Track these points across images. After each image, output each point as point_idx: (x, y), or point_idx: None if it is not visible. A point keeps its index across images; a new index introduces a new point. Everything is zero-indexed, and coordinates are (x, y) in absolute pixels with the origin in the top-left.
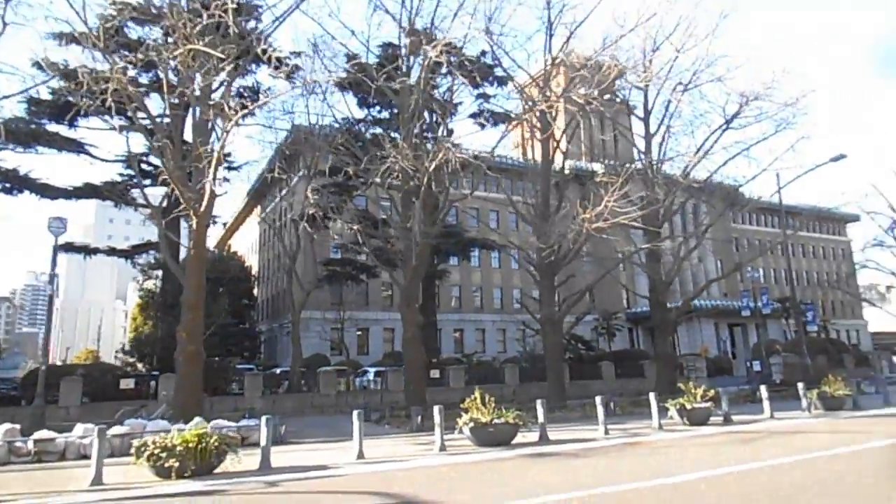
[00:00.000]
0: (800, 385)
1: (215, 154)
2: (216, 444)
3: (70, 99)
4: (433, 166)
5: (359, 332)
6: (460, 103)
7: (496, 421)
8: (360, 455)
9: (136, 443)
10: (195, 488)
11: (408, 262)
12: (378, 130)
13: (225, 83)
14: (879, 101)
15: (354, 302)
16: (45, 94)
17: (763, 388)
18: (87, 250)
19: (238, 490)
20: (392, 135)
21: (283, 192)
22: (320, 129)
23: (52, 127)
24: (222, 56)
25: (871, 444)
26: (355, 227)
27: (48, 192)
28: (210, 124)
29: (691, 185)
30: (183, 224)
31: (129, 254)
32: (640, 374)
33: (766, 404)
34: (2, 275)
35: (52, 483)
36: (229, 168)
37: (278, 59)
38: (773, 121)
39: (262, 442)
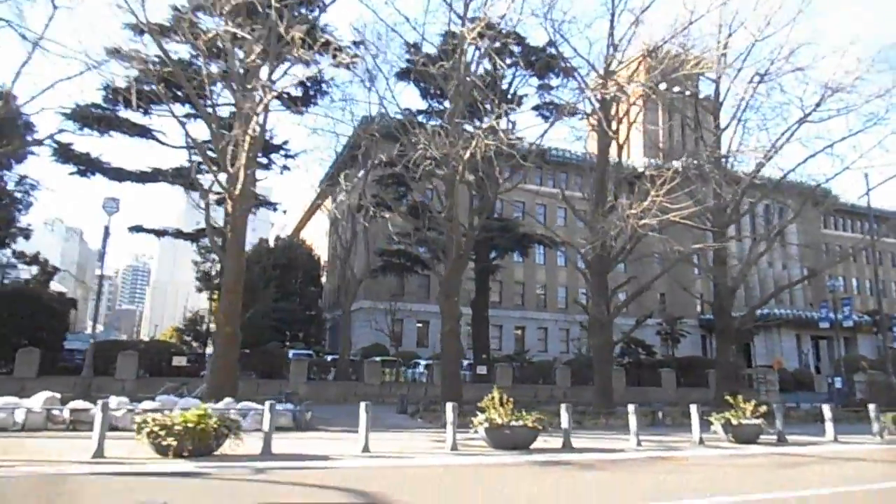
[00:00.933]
0: (871, 406)
1: (247, 137)
2: (216, 425)
3: (144, 86)
4: (468, 154)
5: (419, 324)
6: (525, 96)
7: (513, 423)
8: (366, 448)
9: (138, 419)
10: (185, 468)
11: (449, 253)
12: (439, 122)
13: (271, 67)
14: None
15: (415, 294)
16: (119, 83)
17: (826, 408)
18: (156, 232)
19: (224, 474)
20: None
21: (348, 183)
22: (381, 120)
23: (125, 114)
24: (248, 36)
25: None
26: (408, 219)
27: (118, 175)
28: (251, 108)
29: (764, 184)
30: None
31: (194, 237)
32: (704, 383)
33: (829, 426)
34: (110, 256)
35: (62, 453)
36: (286, 156)
37: (335, 47)
38: (861, 115)
39: (265, 427)
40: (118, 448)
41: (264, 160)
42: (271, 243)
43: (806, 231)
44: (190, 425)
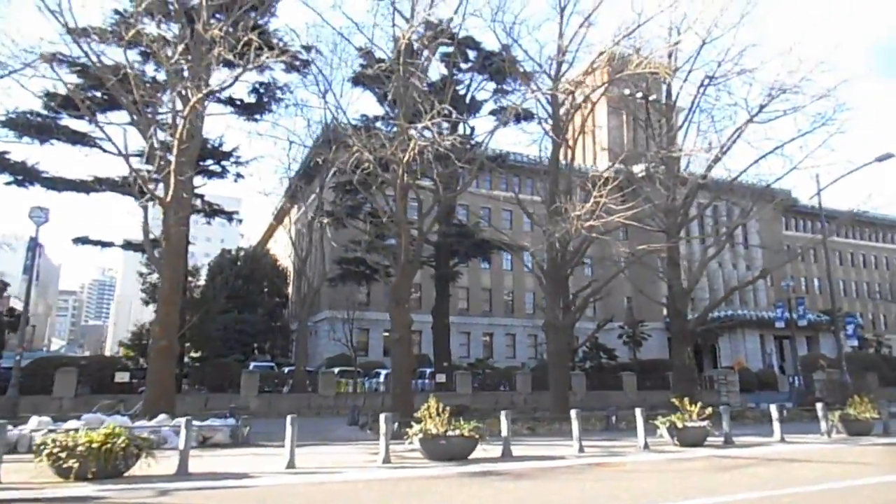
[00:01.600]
0: (819, 406)
1: (176, 142)
2: (124, 445)
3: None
4: (406, 157)
5: (385, 334)
6: (484, 101)
7: (450, 433)
8: (291, 464)
9: (38, 440)
10: (83, 493)
11: (398, 259)
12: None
13: (195, 70)
14: None
15: (382, 303)
16: (62, 89)
17: (773, 408)
18: (101, 243)
19: (123, 498)
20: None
21: (306, 193)
22: (335, 127)
23: (67, 121)
24: (168, 38)
25: (867, 480)
26: (366, 227)
27: (55, 184)
28: (178, 112)
29: (714, 185)
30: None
31: (141, 247)
32: (666, 386)
33: (776, 426)
34: (74, 270)
35: None
36: (237, 163)
37: (282, 50)
38: (809, 116)
39: (181, 445)
40: (19, 473)
41: (217, 168)
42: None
43: (767, 233)
44: (94, 446)
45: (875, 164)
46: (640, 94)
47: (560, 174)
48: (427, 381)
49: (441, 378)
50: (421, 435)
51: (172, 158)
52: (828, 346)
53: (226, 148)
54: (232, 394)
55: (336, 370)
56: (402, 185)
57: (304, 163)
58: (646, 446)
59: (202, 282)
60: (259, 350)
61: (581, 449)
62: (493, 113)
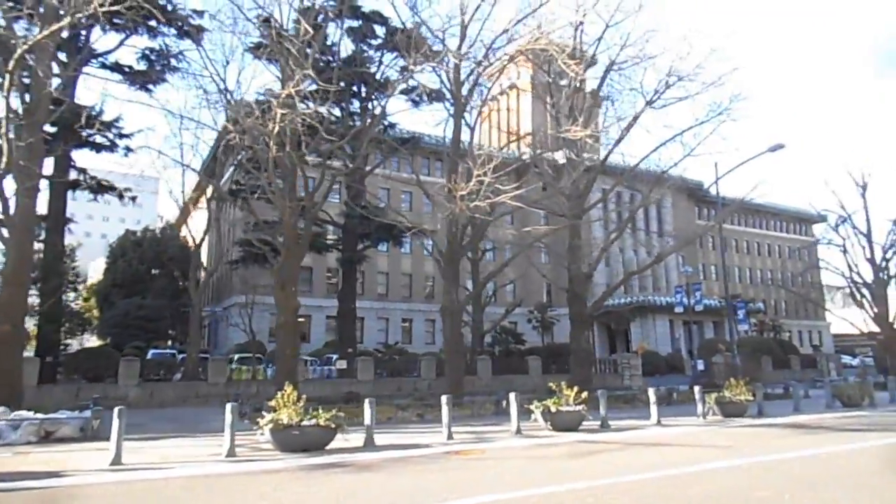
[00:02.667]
0: (696, 389)
1: (3, 100)
2: None
3: None
4: (276, 129)
5: (301, 319)
6: (398, 80)
7: (304, 423)
8: (117, 460)
9: None
10: None
11: (285, 240)
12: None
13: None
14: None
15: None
16: None
17: (651, 391)
18: None
19: None
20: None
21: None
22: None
23: None
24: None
25: (712, 464)
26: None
27: None
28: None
29: (616, 172)
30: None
31: None
32: (563, 370)
33: (653, 409)
34: None
35: None
36: (120, 135)
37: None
38: (707, 106)
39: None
40: None
41: (103, 140)
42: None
43: (681, 221)
44: None
45: (769, 154)
46: (548, 80)
47: (460, 156)
48: (331, 367)
49: (342, 364)
50: (271, 425)
51: (2, 120)
52: (735, 330)
53: (107, 118)
54: (110, 383)
55: (235, 357)
56: (284, 162)
57: (217, 141)
58: (518, 431)
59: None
60: (166, 337)
61: (450, 436)
62: (404, 92)
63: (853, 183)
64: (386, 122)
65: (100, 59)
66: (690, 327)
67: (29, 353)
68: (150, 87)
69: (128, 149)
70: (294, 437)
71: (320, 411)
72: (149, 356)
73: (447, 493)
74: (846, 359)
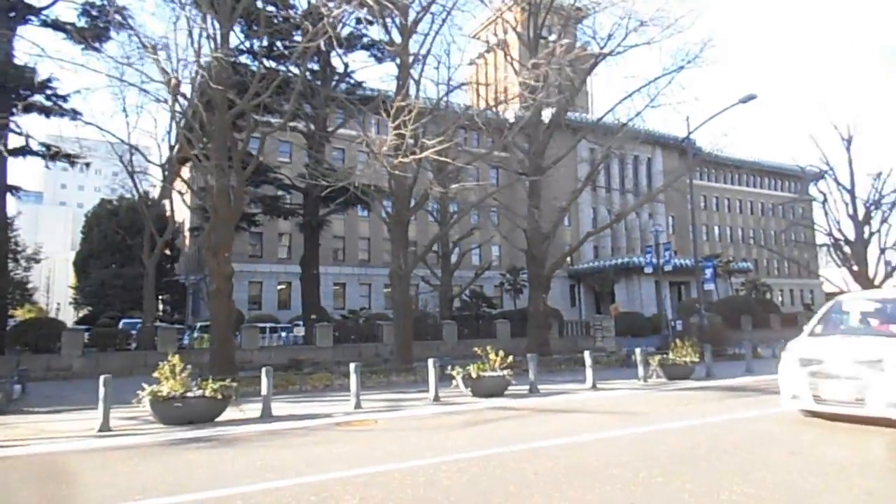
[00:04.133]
0: (637, 351)
1: None
2: None
3: None
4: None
5: (280, 286)
6: (363, 36)
7: (188, 394)
8: None
9: None
10: None
11: (215, 204)
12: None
13: None
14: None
15: (275, 254)
16: None
17: (587, 354)
18: None
19: None
20: (291, 69)
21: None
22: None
23: None
24: None
25: (610, 433)
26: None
27: None
28: None
29: (576, 126)
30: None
31: None
32: None
33: (588, 372)
34: None
35: None
36: (55, 96)
37: None
38: (673, 55)
39: None
40: None
41: (47, 102)
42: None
43: (673, 181)
44: None
45: (740, 105)
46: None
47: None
48: (289, 334)
49: (300, 331)
50: (150, 397)
51: None
52: (723, 290)
53: (40, 79)
54: (52, 354)
55: (198, 325)
56: (215, 119)
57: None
58: (436, 398)
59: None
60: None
61: (358, 405)
62: (365, 47)
63: (839, 137)
64: (352, 81)
65: (39, 16)
66: (679, 288)
67: None
68: (97, 45)
69: (75, 112)
70: (176, 409)
71: (210, 382)
72: (119, 325)
73: (271, 474)
74: None
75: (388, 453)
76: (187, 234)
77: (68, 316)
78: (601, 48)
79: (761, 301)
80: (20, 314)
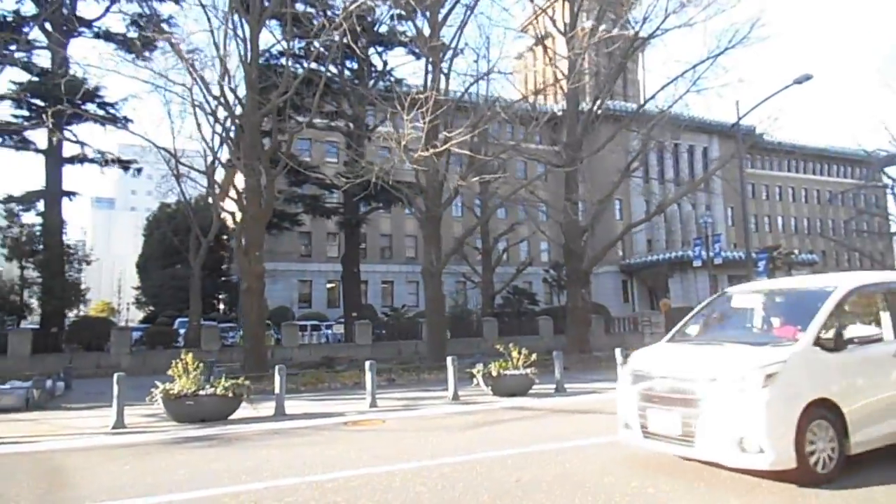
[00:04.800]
0: (617, 351)
1: None
2: None
3: None
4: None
5: (329, 285)
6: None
7: (201, 392)
8: None
9: None
10: None
11: (247, 203)
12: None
13: None
14: None
15: (324, 253)
16: None
17: (618, 352)
18: None
19: None
20: (331, 69)
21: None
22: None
23: None
24: None
25: (611, 437)
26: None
27: None
28: None
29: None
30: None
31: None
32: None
33: (619, 371)
34: None
35: None
36: (103, 105)
37: None
38: (718, 39)
39: None
40: None
41: (100, 111)
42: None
43: (732, 170)
44: None
45: (795, 86)
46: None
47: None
48: (328, 332)
49: (339, 329)
50: (162, 395)
51: None
52: None
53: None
54: (104, 352)
55: (211, 324)
56: (232, 116)
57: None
58: (455, 397)
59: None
60: (206, 307)
61: (373, 403)
62: (402, 45)
63: None
64: (392, 79)
65: (91, 28)
66: (739, 282)
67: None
68: (146, 54)
69: (126, 119)
70: (188, 407)
71: (222, 380)
72: (175, 325)
73: (247, 476)
74: None
75: (377, 456)
76: None
77: (135, 316)
78: (636, 32)
79: None
80: (92, 312)
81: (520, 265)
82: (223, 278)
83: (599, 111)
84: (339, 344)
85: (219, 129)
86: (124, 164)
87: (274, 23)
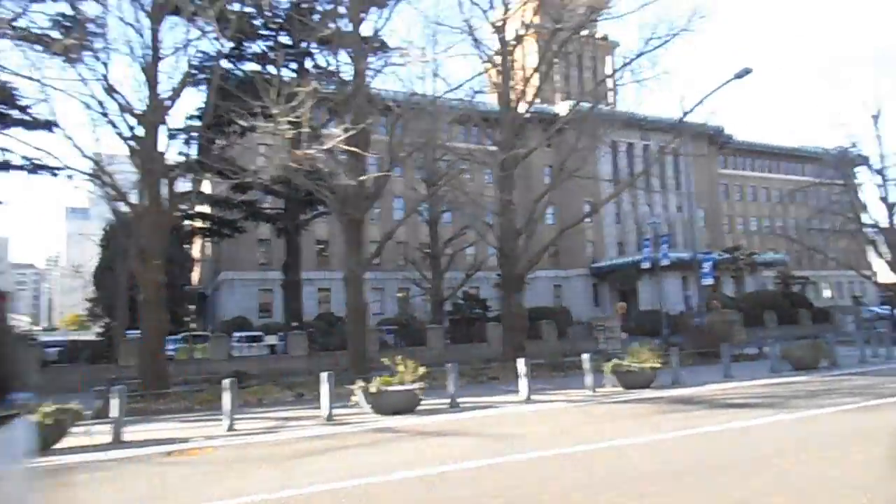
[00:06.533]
0: (584, 357)
1: None
2: None
3: None
4: None
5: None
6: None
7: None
8: None
9: None
10: None
11: (147, 208)
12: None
13: None
14: None
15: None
16: None
17: (521, 363)
18: None
19: None
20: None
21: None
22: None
23: None
24: None
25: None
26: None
27: None
28: None
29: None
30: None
31: None
32: (537, 335)
33: (521, 384)
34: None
35: None
36: (17, 107)
37: None
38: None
39: None
40: None
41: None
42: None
43: (704, 173)
44: None
45: (735, 81)
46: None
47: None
48: (261, 344)
49: (272, 340)
50: None
51: None
52: (755, 285)
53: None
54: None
55: (182, 335)
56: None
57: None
58: (329, 417)
59: None
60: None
61: (231, 427)
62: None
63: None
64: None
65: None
66: (713, 285)
67: None
68: (73, 56)
69: (51, 123)
70: None
71: (42, 406)
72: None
73: None
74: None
75: (139, 497)
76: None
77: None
78: (559, 28)
79: (789, 295)
80: (61, 323)
81: (468, 270)
82: (183, 287)
83: (529, 111)
84: (274, 356)
85: (126, 131)
86: (52, 170)
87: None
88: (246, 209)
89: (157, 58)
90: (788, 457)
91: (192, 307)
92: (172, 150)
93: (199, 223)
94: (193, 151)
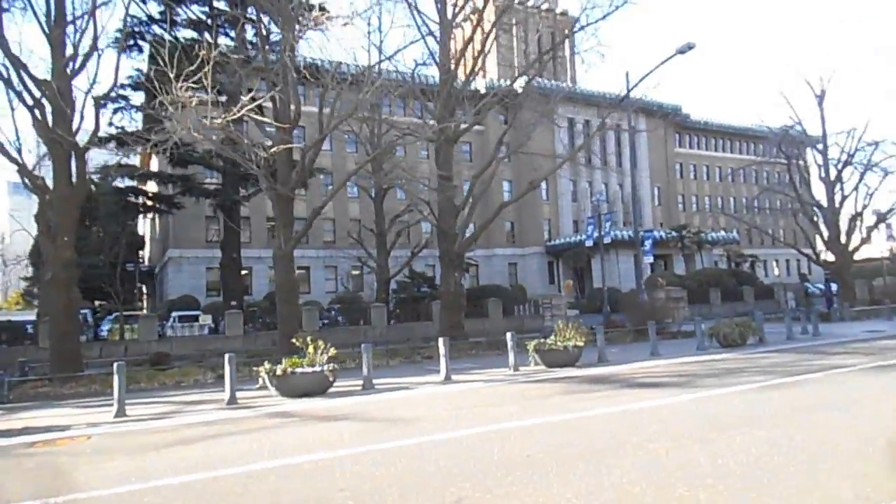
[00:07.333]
0: (508, 335)
1: None
2: None
3: None
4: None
5: (243, 272)
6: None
7: None
8: None
9: None
10: None
11: (54, 182)
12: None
13: None
14: None
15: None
16: None
17: (441, 343)
18: None
19: None
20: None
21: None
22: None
23: None
24: None
25: (327, 453)
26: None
27: None
28: None
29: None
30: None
31: None
32: (484, 313)
33: (442, 363)
34: None
35: None
36: None
37: None
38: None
39: None
40: None
41: None
42: None
43: (659, 151)
44: None
45: (678, 56)
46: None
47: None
48: (194, 324)
49: (206, 319)
50: None
51: None
52: (707, 261)
53: None
54: None
55: (114, 315)
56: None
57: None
58: (231, 401)
59: None
60: (102, 297)
61: (120, 412)
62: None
63: (812, 94)
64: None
65: None
66: (666, 262)
67: None
68: None
69: None
70: None
71: None
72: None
73: None
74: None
75: None
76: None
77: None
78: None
79: (735, 273)
80: (4, 306)
81: (414, 248)
82: (127, 266)
83: (469, 86)
84: (211, 336)
85: (29, 99)
86: None
87: None
88: (182, 184)
89: (62, 19)
90: (662, 442)
91: (143, 286)
92: (103, 122)
93: (143, 200)
94: (135, 125)
